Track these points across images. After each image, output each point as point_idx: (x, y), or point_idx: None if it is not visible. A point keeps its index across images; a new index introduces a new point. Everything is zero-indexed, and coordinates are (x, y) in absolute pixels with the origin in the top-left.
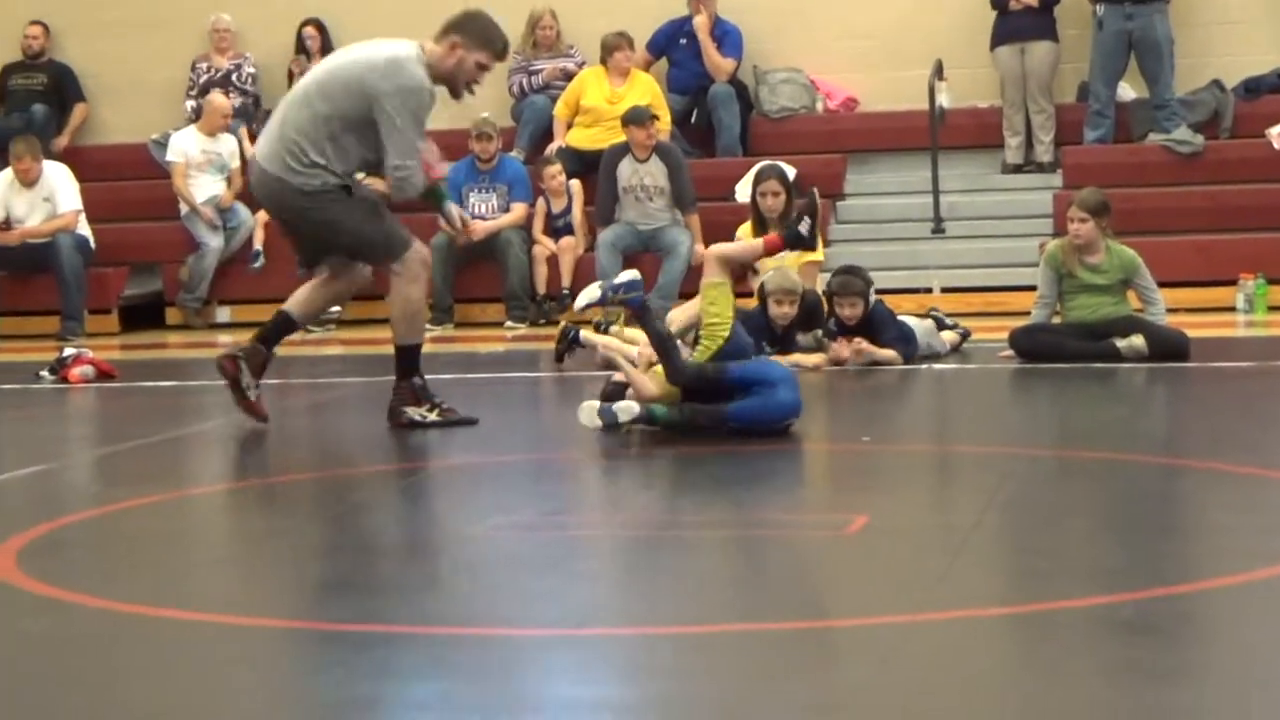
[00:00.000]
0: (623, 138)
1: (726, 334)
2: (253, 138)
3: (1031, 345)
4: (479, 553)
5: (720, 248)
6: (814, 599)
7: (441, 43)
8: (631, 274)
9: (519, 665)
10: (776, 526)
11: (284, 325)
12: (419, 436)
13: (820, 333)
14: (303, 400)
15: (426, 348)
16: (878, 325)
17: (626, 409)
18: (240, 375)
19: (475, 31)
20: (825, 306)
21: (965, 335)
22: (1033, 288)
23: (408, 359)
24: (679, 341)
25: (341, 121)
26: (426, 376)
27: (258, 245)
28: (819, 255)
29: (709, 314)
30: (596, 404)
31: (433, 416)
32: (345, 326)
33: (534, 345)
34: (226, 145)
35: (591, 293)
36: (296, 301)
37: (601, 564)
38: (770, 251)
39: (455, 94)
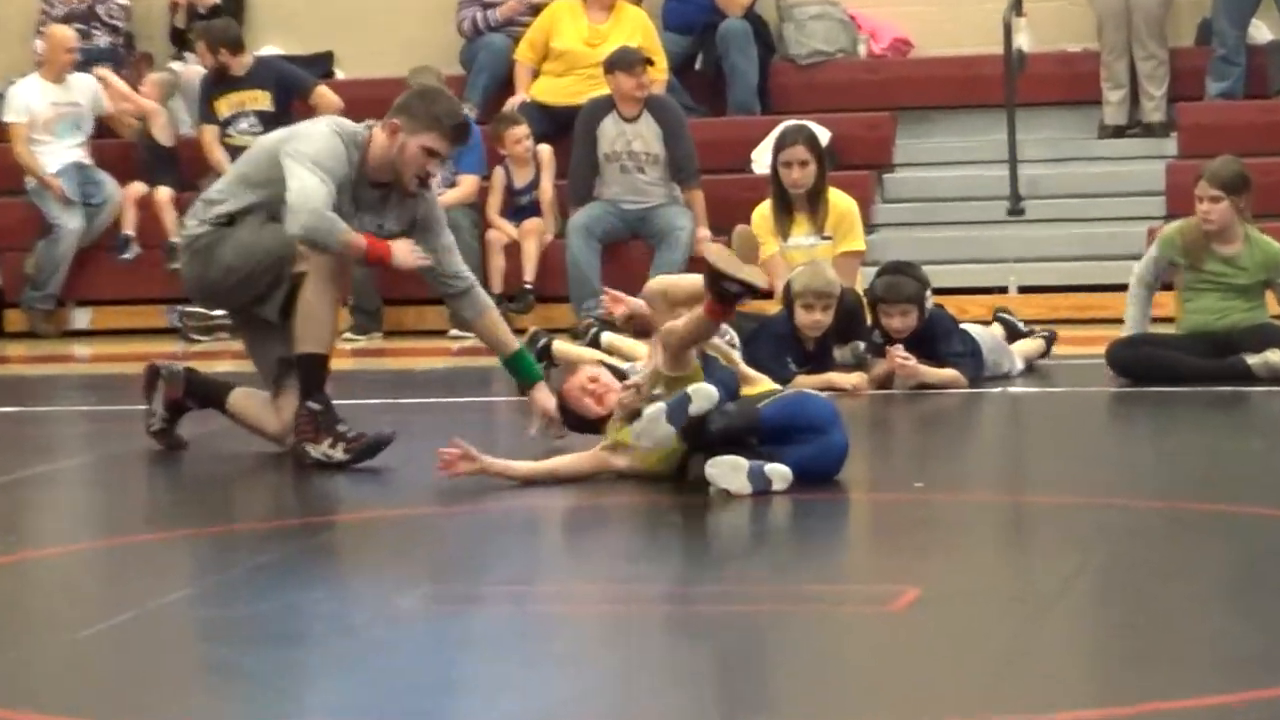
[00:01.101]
0: (604, 89)
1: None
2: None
3: (1135, 361)
4: (407, 633)
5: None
6: (848, 695)
7: (385, 127)
8: (785, 478)
9: None
10: (800, 600)
11: (215, 395)
12: (335, 478)
13: (861, 346)
14: (187, 430)
15: (347, 364)
16: (935, 337)
17: (781, 474)
18: (152, 394)
19: (419, 111)
20: (868, 312)
21: (1050, 339)
22: None
23: (304, 373)
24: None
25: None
26: (349, 401)
27: (128, 229)
28: (859, 244)
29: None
30: (744, 463)
31: (339, 454)
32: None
33: (487, 361)
34: (83, 90)
35: (736, 483)
36: (243, 394)
37: (571, 648)
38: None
39: (405, 188)
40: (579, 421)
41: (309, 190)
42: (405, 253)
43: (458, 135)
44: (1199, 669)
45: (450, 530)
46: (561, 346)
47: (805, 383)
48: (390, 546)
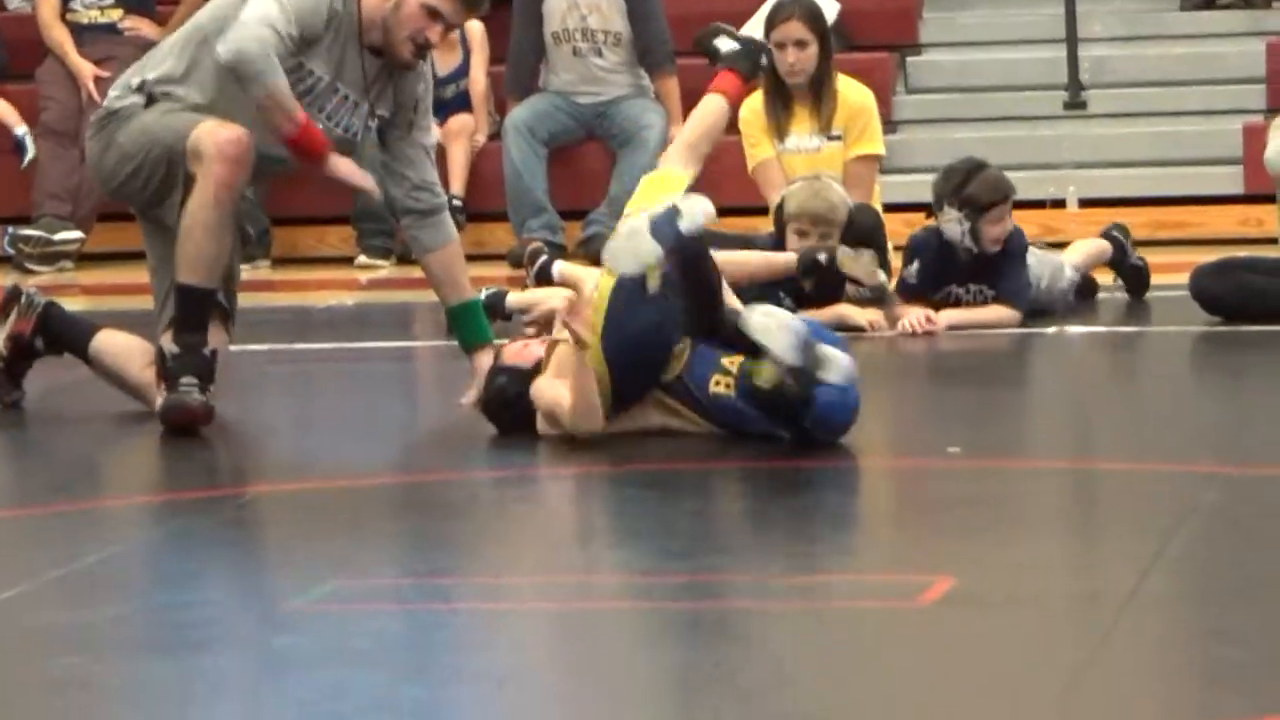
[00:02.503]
0: None
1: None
2: None
3: (1227, 292)
4: (297, 644)
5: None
6: (866, 716)
7: None
8: (706, 211)
9: None
10: (807, 594)
11: (75, 338)
12: (214, 446)
13: (881, 275)
14: (35, 382)
15: None
16: (1005, 258)
17: (837, 365)
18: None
19: None
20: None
21: (1118, 239)
22: (1234, 199)
23: (176, 306)
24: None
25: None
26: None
27: (19, 129)
28: (877, 146)
29: (652, 191)
30: (798, 325)
31: None
32: (88, 264)
33: (404, 295)
34: None
35: (643, 251)
36: (110, 337)
37: (511, 658)
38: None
39: (397, 56)
40: (515, 418)
41: (268, 17)
42: (347, 164)
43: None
44: None
45: (366, 508)
46: (520, 298)
47: None
48: (286, 531)
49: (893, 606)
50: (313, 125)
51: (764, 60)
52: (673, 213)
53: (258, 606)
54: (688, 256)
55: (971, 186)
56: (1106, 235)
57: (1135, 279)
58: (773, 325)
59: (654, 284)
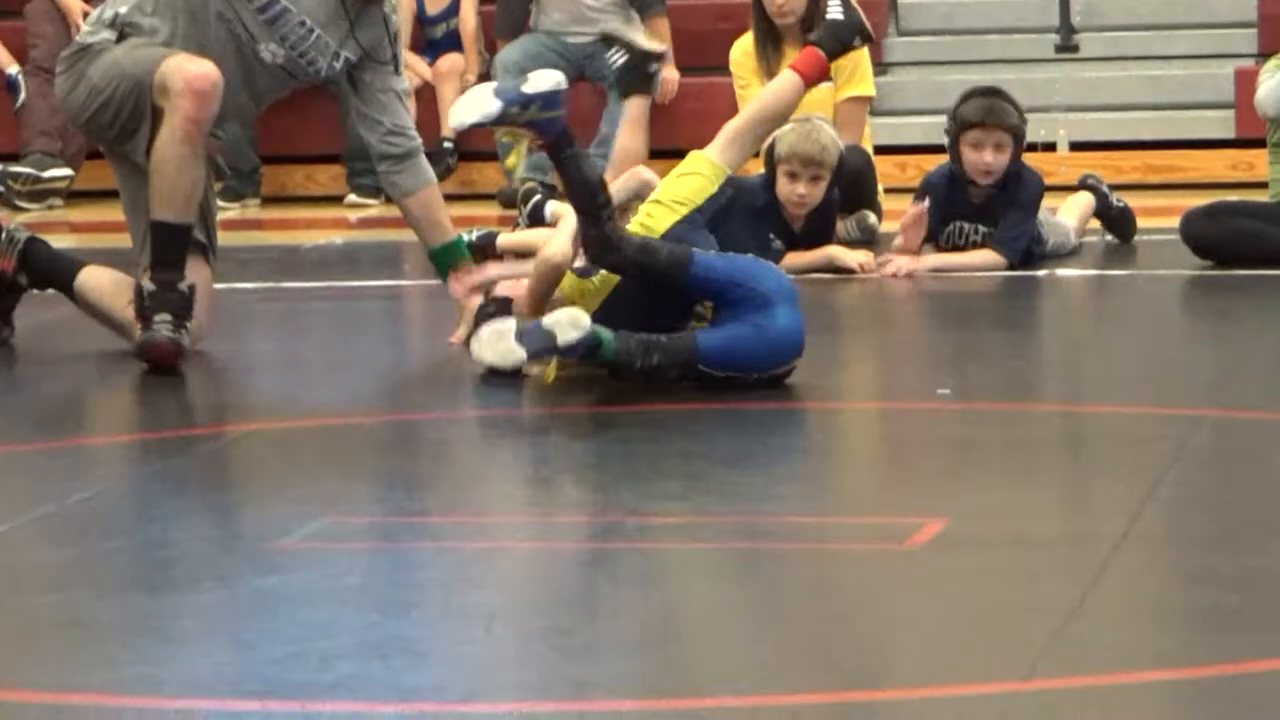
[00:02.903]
0: None
1: (677, 218)
2: None
3: (1218, 236)
4: (286, 581)
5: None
6: (850, 657)
7: None
8: (553, 78)
9: None
10: (789, 535)
11: (59, 274)
12: (202, 384)
13: (871, 217)
14: (24, 320)
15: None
16: (1012, 204)
17: (571, 321)
18: None
19: None
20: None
21: (1097, 188)
22: (1225, 143)
23: (152, 242)
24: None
25: None
26: (219, 285)
27: (10, 68)
28: (867, 88)
29: (671, 187)
30: (512, 324)
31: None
32: (77, 201)
33: (393, 234)
34: None
35: (482, 102)
36: (95, 273)
37: (497, 597)
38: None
39: None
40: None
41: None
42: None
43: None
44: None
45: (354, 446)
46: (508, 238)
47: (798, 262)
48: (274, 470)
49: (884, 549)
50: None
51: (856, 41)
52: (520, 80)
53: (246, 544)
54: (553, 140)
55: (964, 104)
56: (1084, 185)
57: (1122, 223)
58: (490, 344)
59: (511, 142)
